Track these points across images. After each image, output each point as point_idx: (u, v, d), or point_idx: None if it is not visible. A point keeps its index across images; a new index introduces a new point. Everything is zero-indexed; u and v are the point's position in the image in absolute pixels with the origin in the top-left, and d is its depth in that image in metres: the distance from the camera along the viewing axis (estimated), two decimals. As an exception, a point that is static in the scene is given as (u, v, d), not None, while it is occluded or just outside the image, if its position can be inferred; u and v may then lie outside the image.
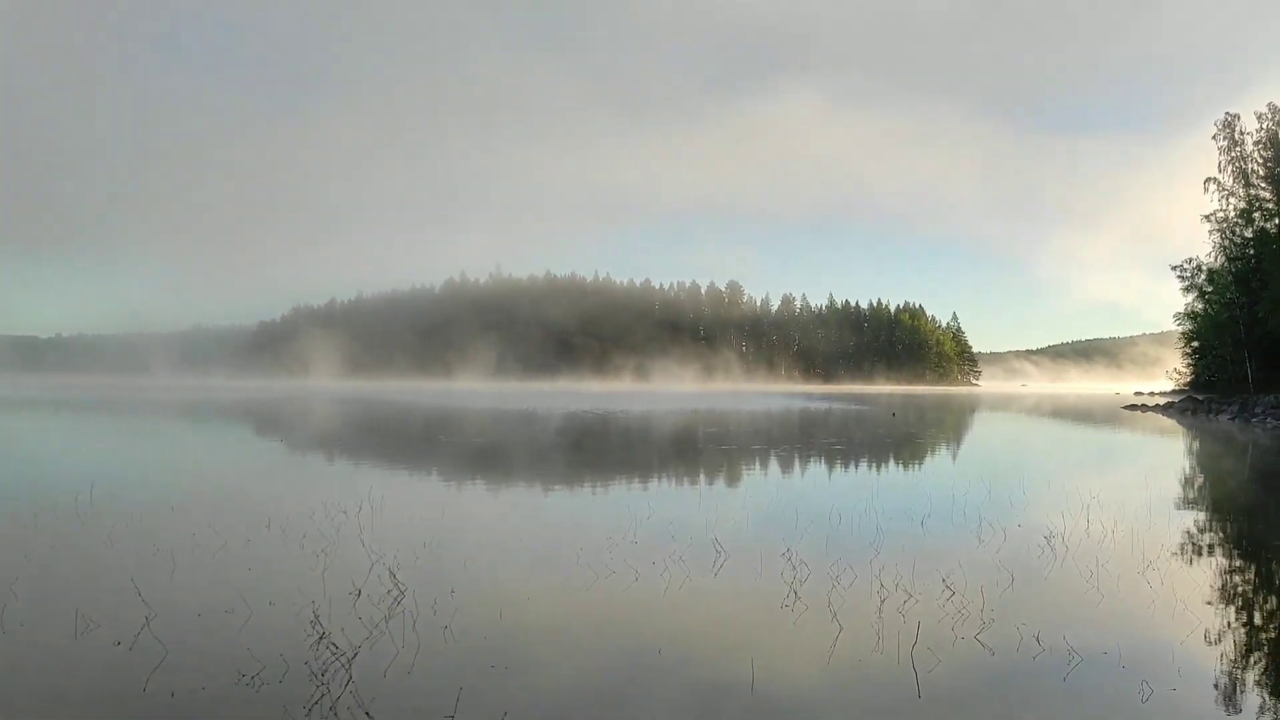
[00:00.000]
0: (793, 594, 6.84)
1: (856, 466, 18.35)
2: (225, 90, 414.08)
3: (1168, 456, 24.12)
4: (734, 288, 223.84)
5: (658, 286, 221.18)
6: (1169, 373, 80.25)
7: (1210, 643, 5.84)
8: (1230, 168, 61.69)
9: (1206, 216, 62.79)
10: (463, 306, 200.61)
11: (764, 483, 15.36)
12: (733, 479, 15.77)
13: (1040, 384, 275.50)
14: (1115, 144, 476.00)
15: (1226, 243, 62.07)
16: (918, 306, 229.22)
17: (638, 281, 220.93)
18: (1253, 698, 4.91)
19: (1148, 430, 34.70)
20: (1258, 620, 6.63)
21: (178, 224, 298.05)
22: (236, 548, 8.32)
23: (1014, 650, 5.58)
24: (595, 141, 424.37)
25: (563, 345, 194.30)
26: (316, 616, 5.98)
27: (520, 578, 7.44)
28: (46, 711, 4.50)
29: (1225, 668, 5.38)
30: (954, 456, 22.81)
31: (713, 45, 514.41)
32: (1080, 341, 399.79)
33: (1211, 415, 44.95)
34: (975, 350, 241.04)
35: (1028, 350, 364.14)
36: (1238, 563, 8.71)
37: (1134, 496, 13.13)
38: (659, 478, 16.08)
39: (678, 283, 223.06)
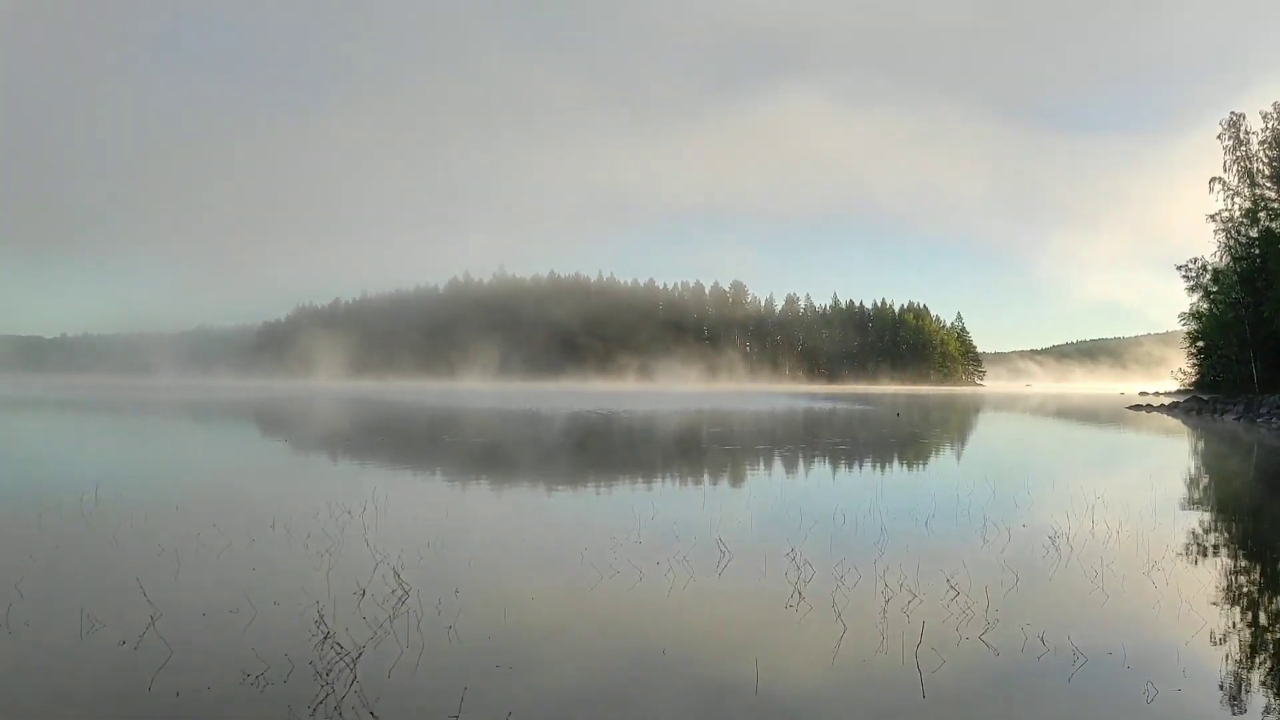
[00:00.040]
0: (797, 594, 6.83)
1: (861, 466, 18.34)
2: (230, 91, 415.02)
3: (1173, 457, 24.08)
4: (738, 288, 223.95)
5: (662, 286, 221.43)
6: (1174, 373, 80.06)
7: (1215, 643, 5.83)
8: (1235, 167, 61.54)
9: (1211, 216, 62.64)
10: (467, 306, 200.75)
11: (768, 483, 15.35)
12: (737, 479, 15.76)
13: (1045, 384, 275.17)
14: (1119, 143, 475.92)
15: (1231, 242, 61.90)
16: (922, 306, 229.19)
17: (641, 281, 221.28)
18: (1258, 698, 4.90)
19: (1152, 430, 34.63)
20: (1263, 621, 6.62)
21: (182, 225, 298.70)
22: (241, 548, 8.33)
23: (1019, 651, 5.58)
24: (599, 142, 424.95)
25: (567, 345, 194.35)
26: (321, 616, 5.99)
27: (524, 577, 7.44)
28: (52, 711, 4.51)
29: (1230, 668, 5.37)
30: (958, 456, 22.78)
31: (716, 45, 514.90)
32: (1085, 341, 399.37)
33: (1217, 415, 44.86)
34: (979, 350, 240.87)
35: (1032, 350, 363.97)
36: (1243, 563, 8.69)
37: (1139, 497, 13.10)
38: (663, 478, 16.08)
39: (682, 283, 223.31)
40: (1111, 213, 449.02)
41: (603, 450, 22.83)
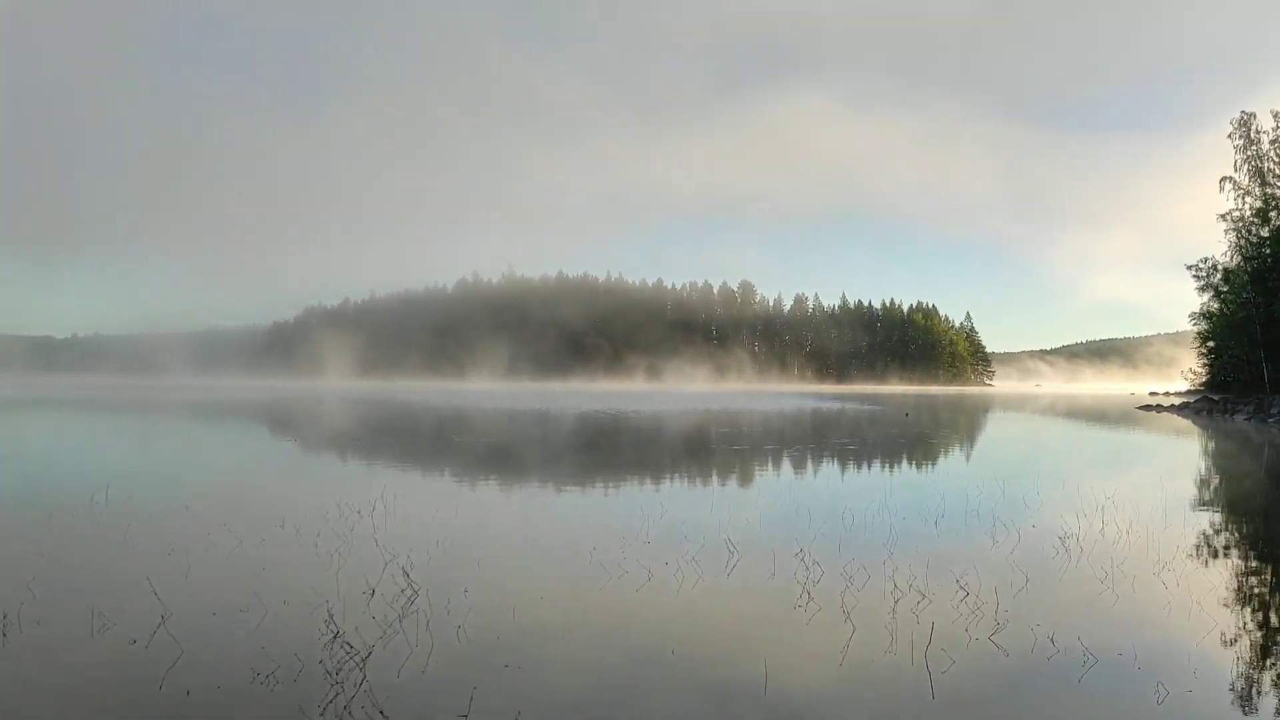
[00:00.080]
0: (806, 594, 6.83)
1: (869, 466, 18.32)
2: (240, 93, 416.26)
3: (1183, 457, 24.00)
4: (746, 287, 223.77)
5: (670, 286, 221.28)
6: (1184, 373, 79.78)
7: (1226, 644, 5.80)
8: (1246, 166, 61.28)
9: (1222, 215, 62.42)
10: (475, 307, 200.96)
11: (777, 483, 15.34)
12: (745, 479, 15.75)
13: (1054, 384, 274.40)
14: (1128, 143, 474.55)
15: (1242, 242, 61.64)
16: (931, 306, 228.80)
17: (650, 281, 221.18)
18: (1269, 700, 4.88)
19: (1162, 430, 34.51)
20: (1274, 622, 6.59)
21: (192, 225, 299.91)
22: (251, 547, 8.35)
23: (1028, 651, 5.56)
24: (607, 142, 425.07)
25: (575, 345, 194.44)
26: (330, 616, 6.00)
27: (533, 577, 7.45)
28: (63, 709, 4.52)
29: (1241, 669, 5.35)
30: (967, 457, 22.73)
31: (723, 46, 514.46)
32: (1095, 341, 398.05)
33: (1227, 415, 44.70)
34: (989, 350, 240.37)
35: (1042, 350, 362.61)
36: (1254, 564, 8.66)
37: (1149, 497, 13.05)
38: (671, 477, 16.08)
39: (690, 283, 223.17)
40: (1121, 212, 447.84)
41: (611, 450, 22.84)
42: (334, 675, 4.92)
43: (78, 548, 8.39)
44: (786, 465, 18.06)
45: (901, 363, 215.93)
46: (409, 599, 6.50)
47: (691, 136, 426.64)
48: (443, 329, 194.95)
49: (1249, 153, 61.16)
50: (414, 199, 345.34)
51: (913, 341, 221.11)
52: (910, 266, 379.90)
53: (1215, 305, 67.13)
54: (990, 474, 16.76)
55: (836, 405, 59.96)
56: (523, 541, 9.09)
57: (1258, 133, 61.09)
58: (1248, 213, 61.40)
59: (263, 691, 4.71)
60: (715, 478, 16.04)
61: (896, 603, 6.62)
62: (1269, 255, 59.60)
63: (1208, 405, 51.26)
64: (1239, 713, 4.70)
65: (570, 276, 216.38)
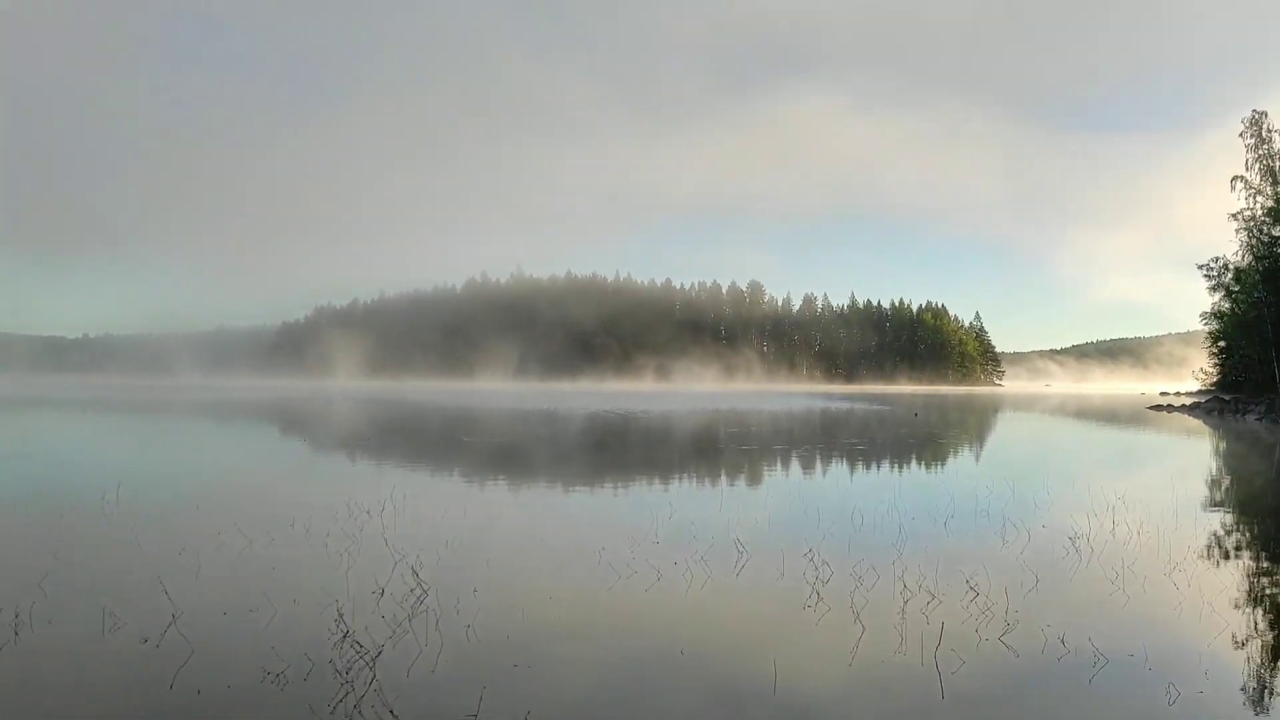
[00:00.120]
0: (815, 594, 6.82)
1: (878, 467, 18.28)
2: (249, 93, 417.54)
3: (1194, 457, 23.90)
4: (755, 287, 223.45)
5: (678, 286, 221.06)
6: (1195, 373, 79.42)
7: (1238, 645, 5.78)
8: (1257, 165, 60.95)
9: (1233, 215, 62.11)
10: (484, 307, 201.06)
11: (785, 483, 15.32)
12: (754, 479, 15.74)
13: (1064, 384, 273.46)
14: (1139, 142, 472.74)
15: (1254, 241, 61.31)
16: (940, 306, 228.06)
17: (658, 281, 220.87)
18: (1282, 701, 4.86)
19: (1173, 431, 34.39)
20: (1286, 623, 6.55)
21: (202, 226, 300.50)
22: (261, 547, 8.38)
23: (1039, 652, 5.55)
24: (616, 142, 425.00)
25: (584, 345, 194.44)
26: (340, 615, 6.02)
27: (542, 577, 7.45)
28: (75, 708, 4.54)
29: (1253, 670, 5.32)
30: (977, 457, 22.68)
31: (732, 45, 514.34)
32: (1105, 341, 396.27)
33: (1238, 415, 44.51)
34: (998, 350, 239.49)
35: (1052, 350, 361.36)
36: (1265, 564, 8.61)
37: (1160, 497, 13.01)
38: (680, 477, 16.07)
39: (698, 282, 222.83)
40: (1132, 212, 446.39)
41: (620, 450, 22.84)
42: (344, 674, 4.93)
43: (89, 547, 8.43)
44: (795, 465, 18.05)
45: (911, 363, 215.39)
46: (418, 599, 6.51)
47: (697, 136, 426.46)
48: (451, 329, 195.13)
49: (1260, 151, 60.84)
50: (422, 199, 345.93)
51: (922, 341, 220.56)
52: (919, 266, 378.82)
53: (1226, 305, 66.76)
54: (1000, 474, 16.72)
55: (845, 405, 59.88)
56: (532, 541, 9.10)
57: (1269, 131, 60.77)
58: (1259, 212, 61.07)
59: (273, 690, 4.73)
60: (724, 478, 16.03)
61: (906, 603, 6.61)
62: (1280, 255, 59.32)
63: (1219, 405, 51.06)
64: (1251, 713, 4.68)
65: (579, 276, 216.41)
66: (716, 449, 22.64)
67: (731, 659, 5.43)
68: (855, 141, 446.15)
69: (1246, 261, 62.41)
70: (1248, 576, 7.91)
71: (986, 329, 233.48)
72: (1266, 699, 4.88)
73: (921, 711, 4.62)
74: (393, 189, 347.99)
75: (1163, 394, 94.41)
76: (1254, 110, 61.29)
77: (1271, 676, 5.25)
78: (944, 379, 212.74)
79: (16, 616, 5.91)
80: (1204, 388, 74.09)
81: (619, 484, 14.97)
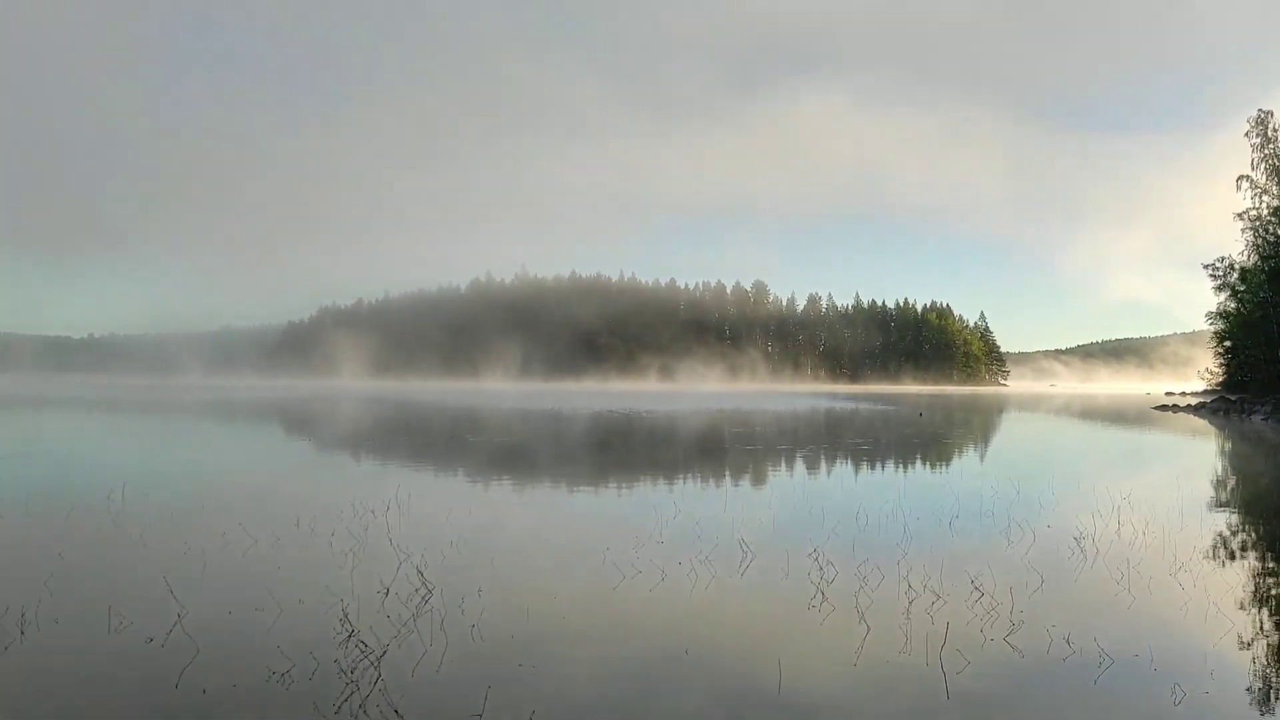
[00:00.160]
0: (820, 594, 6.82)
1: (883, 467, 18.27)
2: (254, 94, 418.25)
3: (1199, 457, 23.85)
4: (759, 287, 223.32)
5: (683, 286, 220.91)
6: (1201, 373, 79.25)
7: (1243, 645, 5.77)
8: (1263, 165, 60.85)
9: (1239, 214, 62.04)
10: (489, 307, 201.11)
11: (790, 483, 15.32)
12: (759, 479, 15.73)
13: (1069, 384, 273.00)
14: (1144, 142, 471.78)
15: (1259, 241, 61.20)
16: (945, 306, 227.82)
17: (663, 281, 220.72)
18: (1288, 701, 4.85)
19: (1179, 431, 34.32)
20: (1292, 623, 6.54)
21: (207, 226, 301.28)
22: (266, 546, 8.39)
23: (1044, 652, 5.54)
24: (620, 142, 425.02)
25: (588, 345, 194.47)
26: (345, 615, 6.02)
27: (547, 577, 7.46)
28: (80, 707, 4.55)
29: (1259, 670, 5.31)
30: (982, 457, 22.66)
31: (736, 45, 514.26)
32: (1110, 341, 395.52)
33: (1244, 416, 44.41)
34: (1003, 350, 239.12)
35: (1057, 350, 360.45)
36: (1271, 565, 8.59)
37: (1165, 497, 12.98)
38: (685, 477, 16.08)
39: (703, 282, 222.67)
40: (1137, 211, 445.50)
41: (625, 450, 22.85)
42: (349, 674, 4.94)
43: (94, 547, 8.44)
44: (800, 465, 18.04)
45: (915, 363, 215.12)
46: (423, 598, 6.52)
47: (701, 136, 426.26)
48: (456, 329, 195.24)
49: (1266, 151, 60.74)
50: (427, 199, 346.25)
51: (927, 341, 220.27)
52: (924, 266, 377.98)
53: (1232, 305, 66.69)
54: (1005, 474, 16.70)
55: (850, 405, 59.84)
56: (536, 541, 9.11)
57: (1275, 131, 60.68)
58: (1265, 212, 60.98)
59: (278, 690, 4.74)
60: (729, 478, 16.02)
61: (911, 603, 6.60)
62: (1287, 254, 59.16)
63: (1224, 405, 50.95)
64: (1256, 714, 4.67)
65: (583, 276, 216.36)
66: (721, 449, 22.64)
67: (736, 659, 5.43)
68: (860, 141, 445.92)
69: (1252, 261, 62.32)
70: (1253, 577, 7.90)
71: (991, 329, 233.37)
72: (1272, 700, 4.87)
73: (926, 712, 4.61)
74: (397, 189, 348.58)
75: (1168, 394, 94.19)
76: (1260, 110, 61.25)
77: (1277, 677, 5.24)
78: (949, 379, 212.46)
79: (22, 616, 5.92)
80: (1209, 388, 73.91)
81: (623, 484, 14.97)
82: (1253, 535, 10.42)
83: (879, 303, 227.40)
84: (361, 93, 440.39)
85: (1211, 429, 35.27)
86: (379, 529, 9.24)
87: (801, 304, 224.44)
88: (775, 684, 4.93)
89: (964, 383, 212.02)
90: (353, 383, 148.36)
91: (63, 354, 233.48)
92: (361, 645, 5.41)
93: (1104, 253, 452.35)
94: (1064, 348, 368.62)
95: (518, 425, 31.93)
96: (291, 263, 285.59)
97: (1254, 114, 61.43)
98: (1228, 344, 70.50)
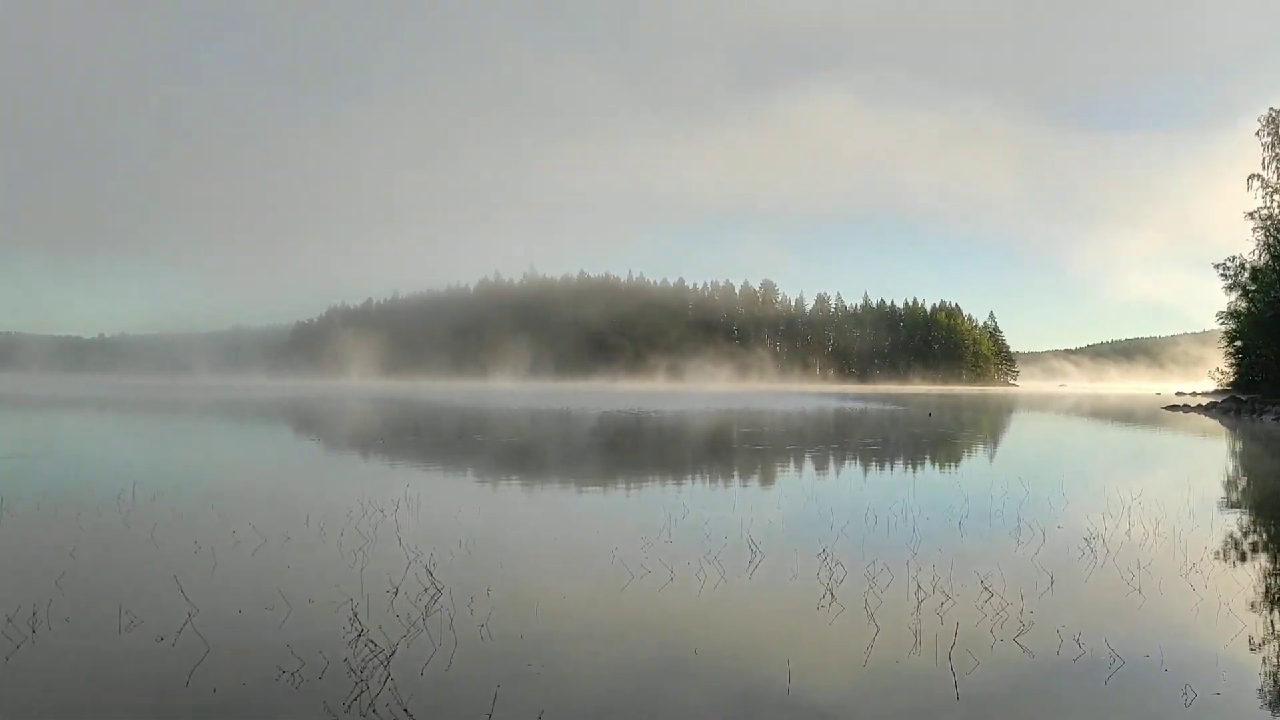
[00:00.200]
0: (829, 595, 6.81)
1: (892, 467, 18.24)
2: (264, 93, 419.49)
3: (1210, 458, 23.76)
4: (768, 287, 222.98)
5: (691, 286, 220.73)
6: (1211, 372, 78.95)
7: (1255, 647, 5.75)
8: (1274, 164, 60.56)
9: (1250, 214, 61.73)
10: (497, 306, 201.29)
11: (799, 483, 15.30)
12: (767, 479, 15.72)
13: (1080, 384, 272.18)
14: (1155, 141, 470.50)
15: (1270, 240, 60.87)
16: (954, 306, 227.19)
17: (671, 281, 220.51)
18: (1300, 703, 4.83)
19: (1189, 431, 34.19)
20: (1304, 624, 6.51)
21: (217, 226, 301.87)
22: (276, 546, 8.42)
23: (1054, 653, 5.53)
24: (628, 142, 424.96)
25: (597, 345, 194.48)
26: (355, 614, 6.04)
27: (556, 577, 7.46)
28: (91, 705, 4.57)
29: (1270, 671, 5.29)
30: (991, 457, 22.60)
31: (744, 44, 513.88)
32: (1120, 341, 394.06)
33: (1255, 416, 44.21)
34: (1013, 350, 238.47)
35: (1067, 350, 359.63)
36: (1283, 566, 8.55)
37: (1176, 498, 12.94)
38: (694, 477, 16.07)
39: (711, 282, 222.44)
40: (1147, 211, 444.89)
41: (633, 450, 22.85)
42: (358, 673, 4.95)
43: (105, 546, 8.48)
44: (809, 465, 18.01)
45: (924, 362, 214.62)
46: (432, 598, 6.53)
47: (713, 135, 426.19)
48: (465, 329, 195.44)
49: (1277, 150, 60.45)
50: (436, 199, 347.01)
51: (936, 341, 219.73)
52: (933, 265, 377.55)
53: (1243, 304, 66.33)
54: (1014, 474, 16.65)
55: (859, 405, 59.74)
56: (545, 541, 9.11)
57: (1287, 129, 60.34)
58: (1276, 211, 60.67)
59: (288, 689, 4.75)
60: (737, 477, 16.01)
61: (920, 603, 6.59)
62: (1298, 253, 58.88)
63: (1235, 405, 50.72)
64: (1268, 715, 4.65)
65: (592, 276, 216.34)
66: (729, 449, 22.62)
67: (745, 659, 5.43)
68: (869, 140, 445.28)
69: (1264, 260, 61.98)
70: (1265, 578, 7.86)
71: (1001, 329, 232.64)
72: (1284, 701, 4.85)
73: (936, 712, 4.60)
74: (406, 189, 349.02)
75: (1179, 394, 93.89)
76: (1271, 108, 60.96)
77: (1289, 678, 5.22)
78: (958, 379, 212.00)
79: (34, 614, 5.95)
80: (1220, 388, 73.62)
81: (632, 484, 14.98)
82: (1264, 536, 10.37)
83: (888, 302, 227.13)
84: (370, 93, 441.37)
85: (1222, 429, 35.12)
86: (388, 528, 9.26)
87: (810, 304, 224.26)
88: (784, 684, 4.93)
89: (973, 383, 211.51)
90: (361, 382, 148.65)
91: (74, 354, 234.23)
92: (371, 644, 5.42)
93: (1114, 252, 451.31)
94: (1074, 347, 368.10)
95: (526, 425, 31.95)
96: (300, 263, 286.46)
97: (1265, 112, 61.21)
98: (1239, 344, 70.12)
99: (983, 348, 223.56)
